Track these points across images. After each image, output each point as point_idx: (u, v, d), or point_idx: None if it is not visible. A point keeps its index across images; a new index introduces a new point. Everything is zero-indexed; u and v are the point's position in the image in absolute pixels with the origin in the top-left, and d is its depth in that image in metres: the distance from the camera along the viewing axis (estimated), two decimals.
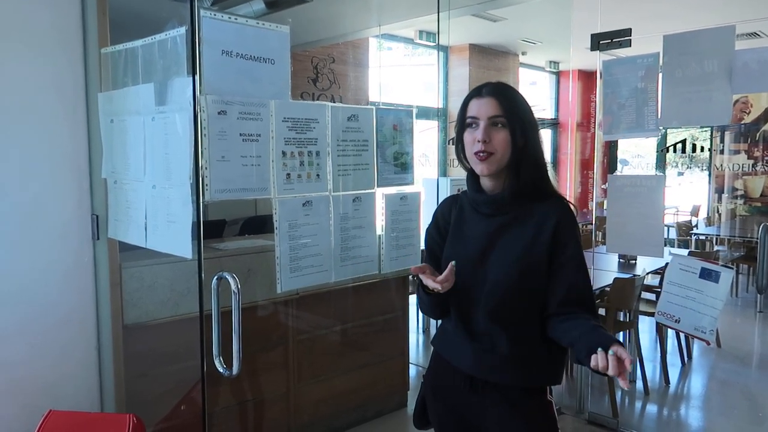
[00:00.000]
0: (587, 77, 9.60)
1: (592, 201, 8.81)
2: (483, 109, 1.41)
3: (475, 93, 1.45)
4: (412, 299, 3.71)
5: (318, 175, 2.05)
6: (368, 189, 2.23)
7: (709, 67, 2.77)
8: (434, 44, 7.20)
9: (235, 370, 1.81)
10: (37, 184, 2.09)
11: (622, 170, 9.98)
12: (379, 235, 2.30)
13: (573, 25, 6.64)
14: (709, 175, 9.16)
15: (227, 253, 2.70)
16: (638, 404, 3.75)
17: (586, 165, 10.14)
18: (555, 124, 9.88)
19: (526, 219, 1.42)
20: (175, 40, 1.74)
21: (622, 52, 3.17)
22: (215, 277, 1.82)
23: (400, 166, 2.32)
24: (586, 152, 10.18)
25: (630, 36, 3.09)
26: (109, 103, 2.09)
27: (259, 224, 3.83)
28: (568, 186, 9.58)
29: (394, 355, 3.51)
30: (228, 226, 3.79)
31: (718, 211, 8.61)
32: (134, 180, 2.00)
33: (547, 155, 1.53)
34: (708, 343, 2.92)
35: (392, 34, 6.66)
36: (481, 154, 1.40)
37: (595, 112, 9.34)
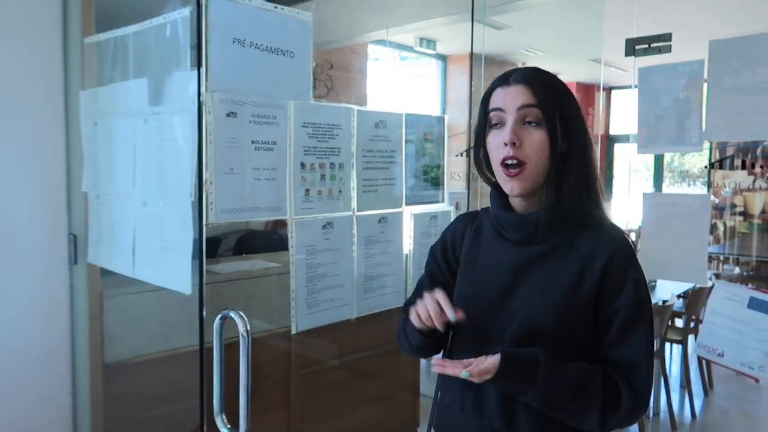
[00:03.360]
0: (586, 90, 9.42)
1: None
2: (510, 98, 1.05)
3: (501, 81, 1.09)
4: None
5: (341, 191, 1.73)
6: (396, 208, 1.91)
7: (762, 76, 2.53)
8: (434, 52, 6.95)
9: (242, 430, 1.47)
10: (2, 197, 1.74)
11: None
12: (406, 262, 1.98)
13: (578, 35, 6.44)
14: (708, 191, 9.01)
15: (225, 277, 2.36)
16: None
17: None
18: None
19: (567, 252, 1.07)
20: (175, 24, 1.41)
21: (659, 59, 2.91)
22: (219, 317, 1.48)
23: (431, 181, 2.01)
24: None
25: (670, 41, 2.83)
26: (93, 102, 1.76)
27: (254, 241, 3.48)
28: None
29: (404, 387, 3.19)
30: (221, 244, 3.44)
31: (722, 228, 8.46)
32: (121, 195, 1.66)
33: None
34: (757, 381, 2.65)
35: (391, 40, 6.40)
36: (511, 168, 1.04)
37: (593, 125, 9.16)
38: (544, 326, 1.04)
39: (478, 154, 1.14)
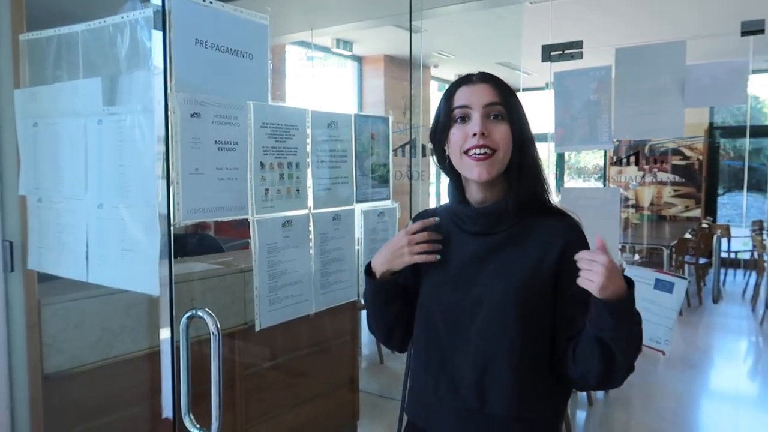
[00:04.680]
0: None
1: None
2: (476, 96, 1.13)
3: (464, 80, 1.17)
4: (364, 321, 3.46)
5: (298, 190, 1.77)
6: (348, 205, 1.97)
7: (661, 81, 2.82)
8: (350, 53, 7.03)
9: (214, 429, 1.48)
10: None
11: None
12: (357, 258, 2.05)
13: (487, 40, 6.76)
14: (604, 185, 9.74)
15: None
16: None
17: None
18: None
19: (524, 239, 1.14)
20: (135, 24, 1.40)
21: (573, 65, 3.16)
22: (185, 316, 1.48)
23: (378, 179, 2.09)
24: None
25: (581, 48, 3.08)
26: (32, 101, 1.69)
27: (181, 245, 3.41)
28: None
29: (344, 383, 3.25)
30: None
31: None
32: (70, 198, 1.61)
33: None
34: (664, 354, 2.94)
35: (308, 41, 6.40)
36: (479, 153, 1.11)
37: None
38: (508, 311, 1.10)
39: (439, 149, 1.20)
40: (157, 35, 1.39)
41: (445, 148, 1.19)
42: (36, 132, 1.68)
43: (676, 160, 8.46)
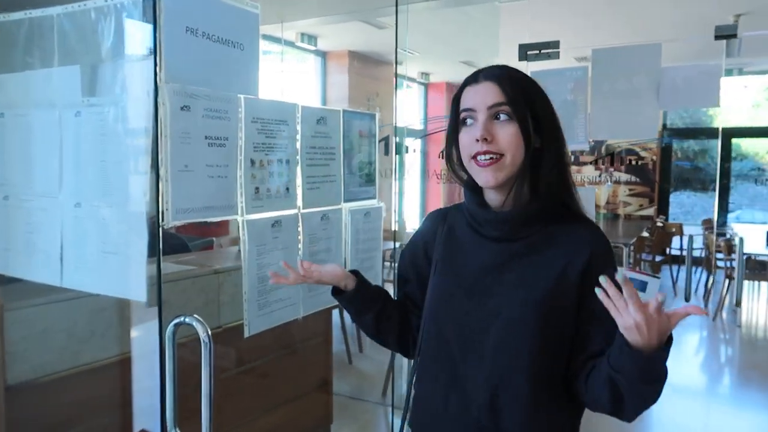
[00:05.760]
0: (454, 89, 9.89)
1: None
2: (480, 97, 1.05)
3: (470, 79, 1.09)
4: (336, 321, 3.39)
5: (287, 188, 1.69)
6: (336, 205, 1.90)
7: (637, 83, 2.85)
8: (314, 48, 6.92)
9: None
10: None
11: None
12: (345, 259, 1.98)
13: (452, 38, 6.77)
14: None
15: None
16: None
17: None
18: (424, 136, 10.07)
19: (547, 247, 1.07)
20: (122, 9, 1.29)
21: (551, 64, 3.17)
22: (172, 324, 1.39)
23: (365, 177, 2.03)
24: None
25: (558, 48, 3.09)
26: None
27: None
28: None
29: (317, 385, 3.17)
30: None
31: None
32: (42, 196, 1.48)
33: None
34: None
35: (273, 35, 6.26)
36: (482, 159, 1.04)
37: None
38: (529, 323, 1.04)
39: (451, 153, 1.14)
40: (142, 24, 1.29)
41: (453, 151, 1.14)
42: (2, 124, 1.55)
43: (632, 160, 8.70)
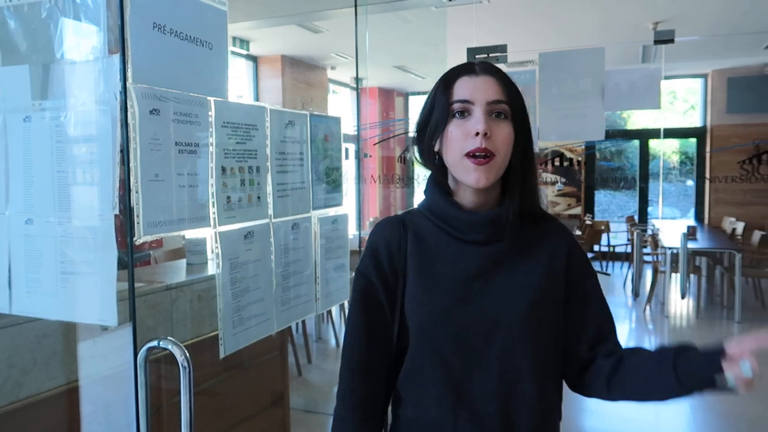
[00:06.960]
0: (387, 95, 9.93)
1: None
2: (480, 91, 1.00)
3: (465, 70, 1.03)
4: (293, 332, 3.29)
5: (259, 197, 1.59)
6: (305, 213, 1.82)
7: (583, 86, 2.92)
8: (246, 53, 6.73)
9: None
10: None
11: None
12: (315, 270, 1.90)
13: (386, 44, 6.77)
14: None
15: None
16: None
17: (388, 180, 10.47)
18: (358, 140, 10.04)
19: (528, 245, 1.06)
20: (82, 1, 1.16)
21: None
22: (145, 348, 1.26)
23: (332, 183, 1.95)
24: (385, 167, 10.52)
25: (506, 52, 3.13)
26: None
27: None
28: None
29: (274, 400, 3.04)
30: None
31: None
32: None
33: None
34: None
35: None
36: (480, 157, 0.99)
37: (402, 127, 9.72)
38: (532, 326, 1.02)
39: (428, 144, 1.06)
40: (104, 17, 1.16)
41: (434, 143, 1.05)
42: None
43: (559, 162, 9.02)
